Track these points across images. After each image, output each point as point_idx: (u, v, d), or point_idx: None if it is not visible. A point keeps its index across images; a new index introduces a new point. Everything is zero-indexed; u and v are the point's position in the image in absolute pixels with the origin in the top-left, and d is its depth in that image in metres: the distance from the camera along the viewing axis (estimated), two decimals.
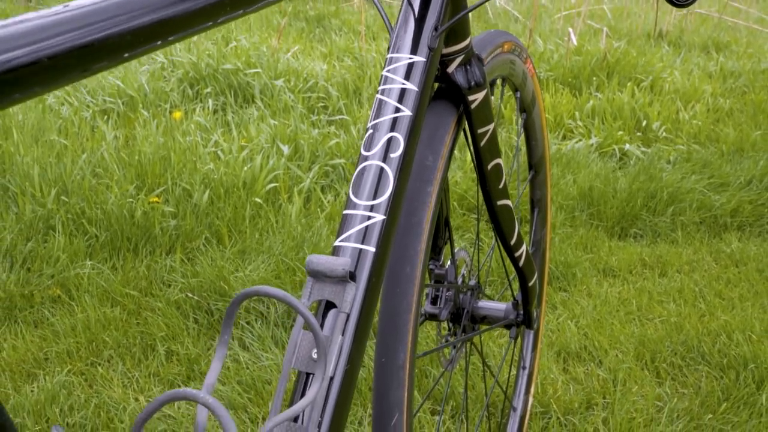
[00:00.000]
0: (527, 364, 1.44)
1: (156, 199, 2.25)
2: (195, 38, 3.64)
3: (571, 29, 3.81)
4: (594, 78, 3.50)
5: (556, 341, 1.78)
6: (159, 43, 0.50)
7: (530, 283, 1.14)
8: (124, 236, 2.08)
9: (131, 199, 2.21)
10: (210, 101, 3.11)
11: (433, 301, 1.10)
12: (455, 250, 1.13)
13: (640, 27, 4.73)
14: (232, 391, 1.55)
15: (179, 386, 1.57)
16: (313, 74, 3.37)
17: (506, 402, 1.34)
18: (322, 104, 3.17)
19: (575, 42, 3.74)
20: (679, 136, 3.06)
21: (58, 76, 0.44)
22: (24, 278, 1.92)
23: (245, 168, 2.43)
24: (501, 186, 1.00)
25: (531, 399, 1.45)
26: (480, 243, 1.98)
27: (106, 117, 2.94)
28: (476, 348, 1.21)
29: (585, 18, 4.52)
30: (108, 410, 1.51)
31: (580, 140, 2.97)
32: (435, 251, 1.09)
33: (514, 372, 1.46)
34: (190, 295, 1.85)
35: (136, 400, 1.54)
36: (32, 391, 1.54)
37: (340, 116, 3.03)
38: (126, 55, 0.48)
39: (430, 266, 1.11)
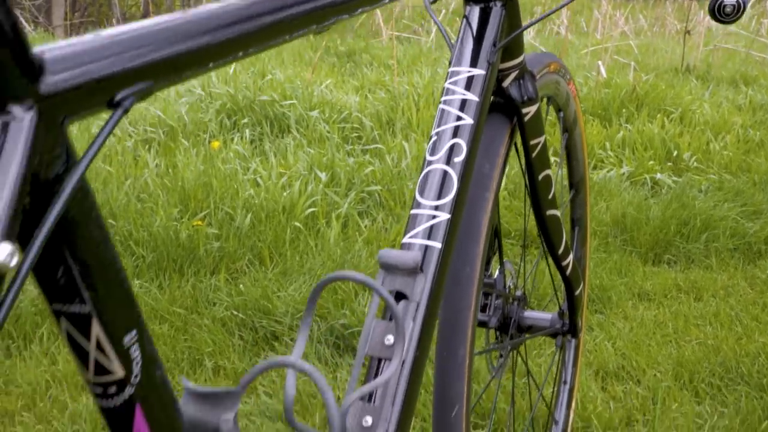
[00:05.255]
0: (568, 379, 1.47)
1: (200, 222, 2.32)
2: (231, 71, 3.75)
3: (600, 62, 3.87)
4: (623, 110, 3.55)
5: (594, 361, 1.80)
6: (240, 54, 0.56)
7: (576, 293, 1.18)
8: (169, 257, 2.14)
9: (175, 222, 2.28)
10: (247, 131, 3.19)
11: (482, 309, 1.14)
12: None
13: (667, 62, 4.78)
14: (279, 403, 1.59)
15: None
16: (347, 106, 3.46)
17: (550, 415, 1.37)
18: (356, 134, 3.24)
19: (605, 75, 3.80)
20: (710, 166, 3.08)
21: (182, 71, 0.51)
22: None
23: (284, 194, 2.50)
24: (550, 196, 1.05)
25: (572, 414, 1.48)
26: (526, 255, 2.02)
27: (147, 146, 3.03)
28: (522, 357, 1.25)
29: (612, 54, 4.58)
30: None
31: (611, 169, 3.01)
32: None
33: (555, 387, 1.49)
34: (235, 312, 1.90)
35: None
36: (88, 397, 1.60)
37: (375, 145, 3.10)
38: (211, 64, 0.54)
39: None
